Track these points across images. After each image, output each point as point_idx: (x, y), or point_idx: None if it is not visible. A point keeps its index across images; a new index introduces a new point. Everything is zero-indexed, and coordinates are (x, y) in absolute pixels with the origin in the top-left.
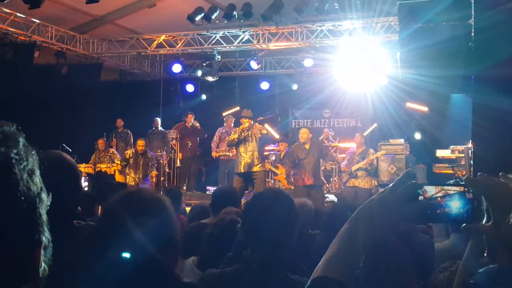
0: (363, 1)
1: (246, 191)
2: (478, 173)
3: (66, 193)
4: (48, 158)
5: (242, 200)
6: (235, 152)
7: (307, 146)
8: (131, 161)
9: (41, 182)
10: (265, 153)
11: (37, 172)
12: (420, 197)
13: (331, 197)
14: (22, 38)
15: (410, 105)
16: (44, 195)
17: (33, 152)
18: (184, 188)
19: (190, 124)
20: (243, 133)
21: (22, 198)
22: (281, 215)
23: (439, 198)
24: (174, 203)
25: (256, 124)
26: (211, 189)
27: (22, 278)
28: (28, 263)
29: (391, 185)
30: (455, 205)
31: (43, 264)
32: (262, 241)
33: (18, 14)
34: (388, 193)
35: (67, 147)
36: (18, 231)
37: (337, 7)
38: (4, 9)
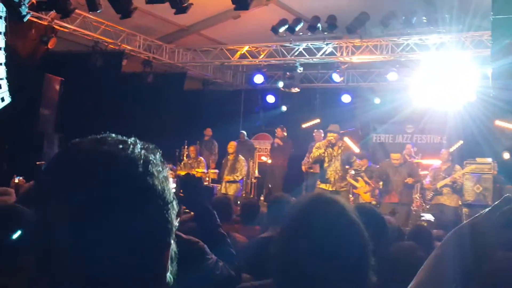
0: (452, 15)
1: None
2: None
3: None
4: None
5: None
6: (319, 167)
7: (396, 165)
8: (223, 164)
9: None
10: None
11: (170, 183)
12: None
13: (428, 216)
14: (112, 46)
15: (499, 123)
16: (175, 204)
17: (166, 166)
18: (262, 199)
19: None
20: (327, 150)
21: (159, 198)
22: (372, 231)
23: None
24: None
25: (342, 141)
26: None
27: (152, 278)
28: (158, 263)
29: (486, 210)
30: None
31: (168, 274)
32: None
33: (108, 24)
34: (483, 218)
35: (156, 148)
36: (155, 227)
37: (425, 20)
38: (96, 19)
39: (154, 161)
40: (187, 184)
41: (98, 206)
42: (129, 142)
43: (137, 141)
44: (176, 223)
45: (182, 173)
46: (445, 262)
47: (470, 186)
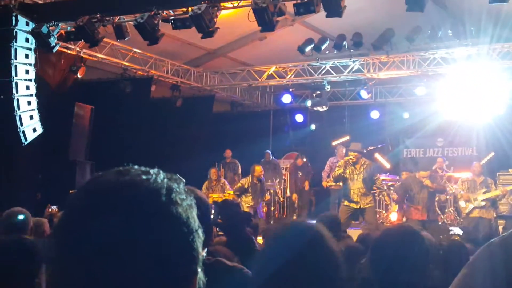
0: (478, 27)
1: (356, 222)
2: None
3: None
4: None
5: (351, 230)
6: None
7: (423, 180)
8: (248, 188)
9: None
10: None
11: (195, 211)
12: None
13: (456, 230)
14: (140, 73)
15: None
16: (201, 232)
17: (192, 195)
18: (294, 218)
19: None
20: (347, 169)
21: (183, 226)
22: (414, 254)
23: None
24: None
25: (365, 160)
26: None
27: None
28: None
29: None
30: None
31: None
32: (394, 280)
33: (136, 50)
34: None
35: (180, 177)
36: (180, 256)
37: (450, 34)
38: (124, 46)
39: (178, 189)
40: (225, 210)
41: (121, 238)
42: (152, 172)
43: (160, 171)
44: (203, 252)
45: (216, 198)
46: (475, 281)
47: (504, 197)
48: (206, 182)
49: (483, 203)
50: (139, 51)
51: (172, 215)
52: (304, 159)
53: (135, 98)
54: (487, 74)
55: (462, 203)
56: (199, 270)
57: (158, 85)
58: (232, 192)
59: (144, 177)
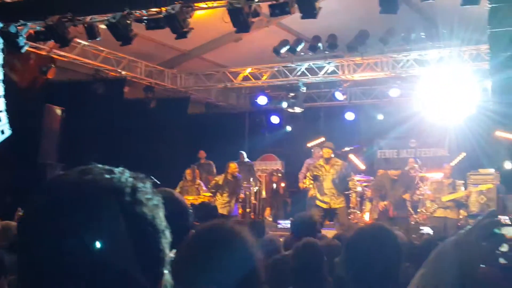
0: (451, 30)
1: (330, 222)
2: None
3: (178, 230)
4: (161, 196)
5: (325, 231)
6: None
7: (394, 178)
8: (223, 185)
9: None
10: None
11: (162, 211)
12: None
13: (426, 229)
14: (113, 74)
15: (499, 133)
16: (168, 233)
17: (159, 195)
18: (270, 219)
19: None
20: (321, 169)
21: (149, 226)
22: (387, 251)
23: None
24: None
25: (337, 159)
26: (281, 222)
27: None
28: None
29: (468, 226)
30: None
31: None
32: (367, 279)
33: (109, 51)
34: (466, 233)
35: (155, 180)
36: (145, 257)
37: (423, 36)
38: (96, 46)
39: (143, 189)
40: (202, 212)
41: (82, 238)
42: (116, 171)
43: (125, 170)
44: (172, 254)
45: (192, 200)
46: (431, 280)
47: (474, 197)
48: (181, 183)
49: (448, 204)
50: (111, 51)
51: (136, 215)
52: (279, 174)
53: (107, 100)
54: (459, 76)
55: (427, 203)
56: (166, 272)
57: (131, 86)
58: (208, 194)
59: (107, 176)
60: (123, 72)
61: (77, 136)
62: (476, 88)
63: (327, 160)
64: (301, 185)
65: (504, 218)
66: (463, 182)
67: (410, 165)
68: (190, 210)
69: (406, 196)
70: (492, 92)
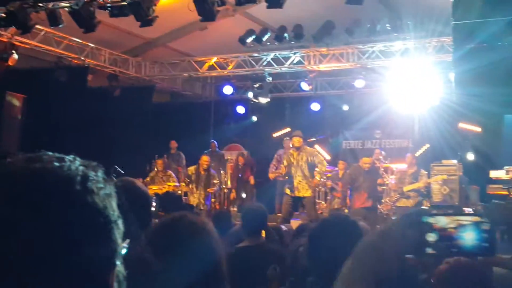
0: (415, 22)
1: (296, 212)
2: (492, 201)
3: (139, 220)
4: (122, 186)
5: (292, 221)
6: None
7: (366, 169)
8: (193, 177)
9: (118, 211)
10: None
11: (114, 200)
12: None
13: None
14: (76, 61)
15: (462, 125)
16: (120, 224)
17: (111, 183)
18: (235, 209)
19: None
20: (292, 157)
21: (100, 216)
22: (349, 242)
23: (451, 229)
24: (223, 227)
25: (306, 147)
26: None
27: None
28: (102, 286)
29: (394, 218)
30: (469, 237)
31: None
32: (330, 268)
33: (72, 38)
34: (393, 223)
35: (119, 169)
36: (96, 247)
37: (389, 28)
38: (58, 33)
39: (94, 177)
40: (167, 202)
41: (30, 229)
42: (66, 159)
43: (76, 158)
44: (125, 244)
45: (157, 190)
46: (356, 271)
47: (437, 188)
48: (152, 173)
49: (409, 194)
50: (75, 39)
51: (87, 205)
52: (246, 156)
53: (70, 88)
54: (423, 67)
55: (391, 193)
56: (118, 262)
57: (95, 74)
58: (173, 184)
59: (57, 164)
60: (87, 60)
61: (39, 125)
62: (440, 80)
63: (298, 149)
64: (271, 175)
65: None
66: (426, 172)
67: (376, 156)
68: (154, 200)
69: (380, 181)
70: (455, 84)
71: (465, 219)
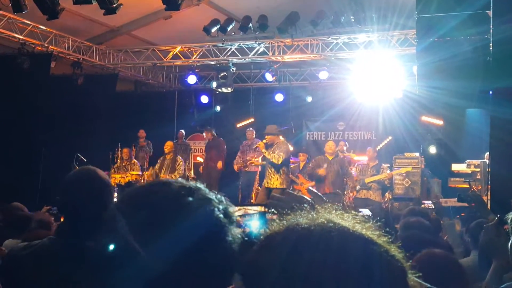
0: (379, 14)
1: None
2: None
3: (96, 208)
4: (82, 174)
5: None
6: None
7: (330, 158)
8: (158, 161)
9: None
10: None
11: None
12: None
13: (365, 211)
14: (39, 48)
15: (425, 118)
16: None
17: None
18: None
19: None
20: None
21: None
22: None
23: (238, 218)
24: None
25: (279, 140)
26: None
27: None
28: None
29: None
30: (254, 225)
31: None
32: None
33: (35, 25)
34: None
35: (82, 157)
36: None
37: (353, 20)
38: (22, 20)
39: None
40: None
41: None
42: None
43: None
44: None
45: (120, 179)
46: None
47: (399, 180)
48: (119, 162)
49: (370, 185)
50: (38, 25)
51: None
52: (214, 133)
53: (33, 75)
54: (387, 60)
55: (354, 184)
56: None
57: (58, 62)
58: (135, 173)
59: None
60: (50, 47)
61: (1, 112)
62: (404, 73)
63: (269, 145)
64: (235, 167)
65: (427, 203)
66: (388, 165)
67: (340, 148)
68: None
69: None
70: (418, 77)
71: (252, 209)
